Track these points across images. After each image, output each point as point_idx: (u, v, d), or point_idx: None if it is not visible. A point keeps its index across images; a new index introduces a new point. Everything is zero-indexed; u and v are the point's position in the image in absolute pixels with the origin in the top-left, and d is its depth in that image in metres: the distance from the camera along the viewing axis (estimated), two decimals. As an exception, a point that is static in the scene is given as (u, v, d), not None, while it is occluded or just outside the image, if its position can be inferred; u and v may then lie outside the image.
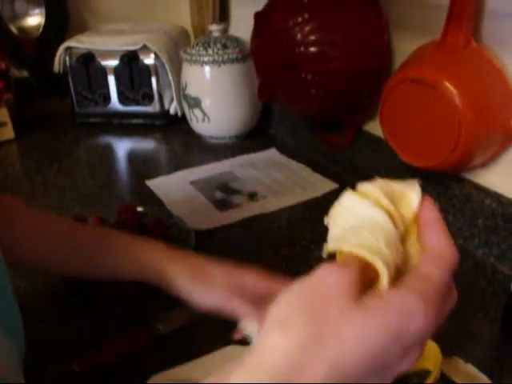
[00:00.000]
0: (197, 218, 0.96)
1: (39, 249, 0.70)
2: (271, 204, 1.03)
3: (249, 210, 1.01)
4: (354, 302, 0.36)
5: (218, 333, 0.69)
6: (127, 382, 0.63)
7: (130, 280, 0.70)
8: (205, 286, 0.64)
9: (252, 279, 0.64)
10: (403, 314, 0.35)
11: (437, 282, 0.37)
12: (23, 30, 1.46)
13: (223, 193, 1.08)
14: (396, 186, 0.43)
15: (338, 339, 0.35)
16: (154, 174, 1.18)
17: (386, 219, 0.40)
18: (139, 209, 0.95)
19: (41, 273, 0.83)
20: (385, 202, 0.41)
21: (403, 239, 0.41)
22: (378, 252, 0.38)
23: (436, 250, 0.40)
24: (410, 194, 0.42)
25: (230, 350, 0.67)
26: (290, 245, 0.93)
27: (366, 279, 0.37)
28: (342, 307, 0.35)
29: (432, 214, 0.42)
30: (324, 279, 0.37)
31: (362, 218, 0.41)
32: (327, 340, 0.35)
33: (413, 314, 0.35)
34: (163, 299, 0.78)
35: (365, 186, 0.43)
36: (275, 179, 1.13)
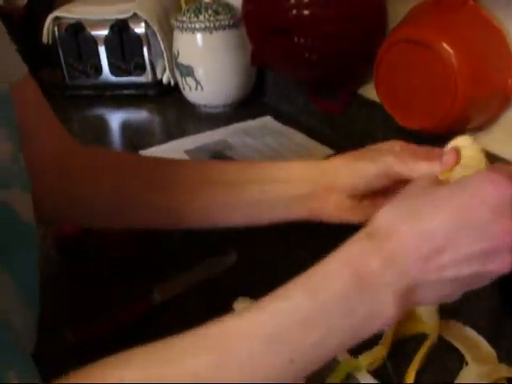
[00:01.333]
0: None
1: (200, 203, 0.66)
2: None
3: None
4: None
5: (215, 300, 0.69)
6: (123, 351, 0.63)
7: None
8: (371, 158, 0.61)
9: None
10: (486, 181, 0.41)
11: None
12: (9, 1, 1.42)
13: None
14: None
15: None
16: (148, 144, 1.16)
17: None
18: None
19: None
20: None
21: None
22: None
23: None
24: None
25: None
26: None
27: None
28: None
29: None
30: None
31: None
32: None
33: (496, 181, 0.41)
34: (160, 269, 0.78)
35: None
36: (270, 146, 1.11)
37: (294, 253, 0.81)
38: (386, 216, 0.44)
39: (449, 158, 0.52)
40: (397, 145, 0.62)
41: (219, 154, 1.09)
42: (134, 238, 0.80)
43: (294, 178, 0.66)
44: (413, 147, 0.62)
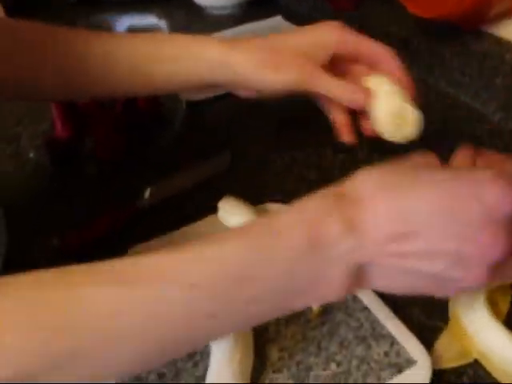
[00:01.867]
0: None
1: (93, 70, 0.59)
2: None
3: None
4: None
5: (205, 203, 0.65)
6: (110, 255, 0.60)
7: (185, 87, 0.63)
8: (276, 69, 0.55)
9: (334, 39, 0.56)
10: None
11: None
12: None
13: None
14: None
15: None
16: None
17: None
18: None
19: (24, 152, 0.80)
20: None
21: None
22: None
23: None
24: None
25: (214, 219, 0.63)
26: (285, 113, 0.86)
27: None
28: None
29: None
30: None
31: None
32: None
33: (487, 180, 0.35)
34: (152, 171, 0.75)
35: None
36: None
37: (287, 153, 0.78)
38: (365, 180, 0.38)
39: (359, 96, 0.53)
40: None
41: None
42: (124, 138, 0.77)
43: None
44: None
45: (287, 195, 0.67)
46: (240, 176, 0.73)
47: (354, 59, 0.58)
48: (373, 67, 0.57)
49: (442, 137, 0.78)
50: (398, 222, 0.35)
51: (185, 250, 0.35)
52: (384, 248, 0.35)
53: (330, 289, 0.36)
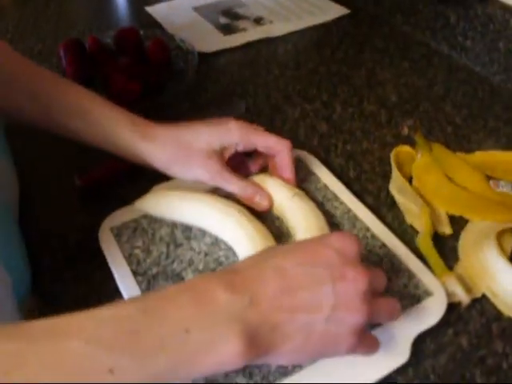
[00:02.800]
0: (200, 41, 0.91)
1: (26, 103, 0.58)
2: (278, 29, 0.97)
3: (254, 34, 0.95)
4: None
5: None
6: (126, 196, 0.62)
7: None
8: (187, 166, 0.58)
9: (236, 140, 0.59)
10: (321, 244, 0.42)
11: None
12: None
13: (228, 18, 1.01)
14: None
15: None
16: (156, 1, 1.10)
17: None
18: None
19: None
20: None
21: None
22: None
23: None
24: None
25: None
26: (297, 67, 0.88)
27: None
28: None
29: None
30: None
31: None
32: None
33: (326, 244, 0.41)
34: (162, 120, 0.76)
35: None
36: (282, 4, 1.05)
37: (299, 105, 0.80)
38: (243, 260, 0.43)
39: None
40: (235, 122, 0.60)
41: (229, 12, 1.03)
42: (138, 88, 0.78)
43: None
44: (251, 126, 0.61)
45: (299, 145, 0.70)
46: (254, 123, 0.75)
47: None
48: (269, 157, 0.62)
49: (444, 99, 0.81)
50: (277, 278, 0.39)
51: (86, 311, 0.36)
52: (272, 304, 0.37)
53: (226, 350, 0.35)
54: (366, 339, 0.43)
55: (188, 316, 0.35)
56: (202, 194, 0.58)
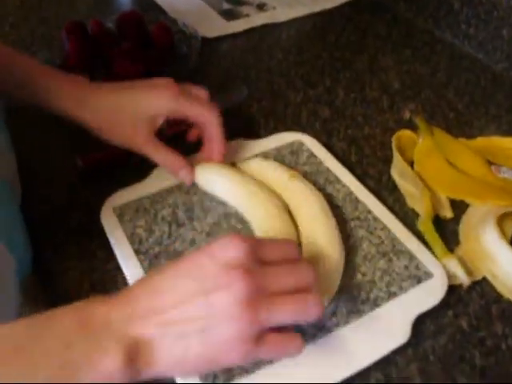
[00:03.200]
0: (202, 26, 0.91)
1: None
2: (281, 14, 0.97)
3: (257, 19, 0.95)
4: None
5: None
6: (128, 177, 0.62)
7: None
8: (116, 133, 0.58)
9: (166, 109, 0.58)
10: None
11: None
12: None
13: (231, 3, 1.01)
14: None
15: None
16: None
17: None
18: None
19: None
20: None
21: None
22: None
23: None
24: None
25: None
26: (299, 53, 0.88)
27: None
28: None
29: None
30: None
31: None
32: None
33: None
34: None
35: None
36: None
37: (301, 90, 0.80)
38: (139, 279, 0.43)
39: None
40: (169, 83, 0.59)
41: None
42: (141, 71, 0.78)
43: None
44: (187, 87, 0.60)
45: (301, 129, 0.70)
46: (255, 110, 0.76)
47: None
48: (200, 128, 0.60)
49: (446, 86, 0.82)
50: (153, 296, 0.39)
51: None
52: (149, 319, 0.38)
53: (106, 367, 0.36)
54: (268, 343, 0.40)
55: (70, 333, 0.36)
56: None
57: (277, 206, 0.55)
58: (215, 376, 0.45)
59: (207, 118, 0.58)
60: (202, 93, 0.61)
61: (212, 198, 0.60)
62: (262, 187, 0.57)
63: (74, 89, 0.58)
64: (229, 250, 0.40)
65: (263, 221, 0.54)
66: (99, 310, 0.38)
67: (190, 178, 0.59)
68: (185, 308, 0.38)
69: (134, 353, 0.37)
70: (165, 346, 0.38)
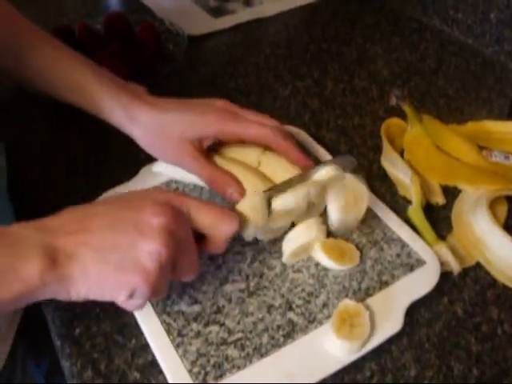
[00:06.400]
0: (189, 24, 0.90)
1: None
2: (268, 9, 0.96)
3: (244, 15, 0.95)
4: None
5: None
6: (116, 178, 0.62)
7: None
8: (164, 152, 0.58)
9: (212, 133, 0.57)
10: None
11: None
12: None
13: (217, 0, 1.00)
14: None
15: None
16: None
17: None
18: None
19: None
20: None
21: None
22: None
23: None
24: None
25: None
26: (287, 46, 0.88)
27: None
28: None
29: None
30: None
31: None
32: None
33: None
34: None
35: None
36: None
37: (290, 83, 0.79)
38: (65, 211, 0.44)
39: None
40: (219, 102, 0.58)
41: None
42: (128, 70, 0.77)
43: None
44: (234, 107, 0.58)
45: (290, 121, 0.70)
46: (244, 102, 0.75)
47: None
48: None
49: (436, 72, 0.81)
50: (79, 222, 0.42)
51: None
52: (70, 235, 0.41)
53: (27, 271, 0.38)
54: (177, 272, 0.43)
55: None
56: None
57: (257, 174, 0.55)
58: (206, 373, 0.44)
59: (264, 138, 0.55)
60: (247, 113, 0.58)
61: (200, 194, 0.59)
62: (238, 164, 0.57)
63: (128, 103, 0.57)
64: (154, 217, 0.42)
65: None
66: (20, 229, 0.40)
67: (236, 196, 0.55)
68: (113, 233, 0.41)
69: (54, 260, 0.39)
70: (83, 263, 0.40)
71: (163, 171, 0.61)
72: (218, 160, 0.57)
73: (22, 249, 0.39)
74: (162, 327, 0.47)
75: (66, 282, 0.39)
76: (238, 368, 0.44)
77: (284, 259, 0.52)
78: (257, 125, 0.55)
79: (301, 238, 0.51)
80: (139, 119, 0.57)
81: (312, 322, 0.47)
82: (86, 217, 0.42)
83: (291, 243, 0.51)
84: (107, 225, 0.41)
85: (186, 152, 0.56)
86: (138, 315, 0.48)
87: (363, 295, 0.49)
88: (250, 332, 0.47)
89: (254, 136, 0.55)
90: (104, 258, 0.40)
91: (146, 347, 0.47)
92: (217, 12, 0.97)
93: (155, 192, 0.45)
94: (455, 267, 0.52)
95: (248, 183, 0.54)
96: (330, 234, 0.54)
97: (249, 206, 0.48)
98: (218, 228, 0.45)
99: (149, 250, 0.40)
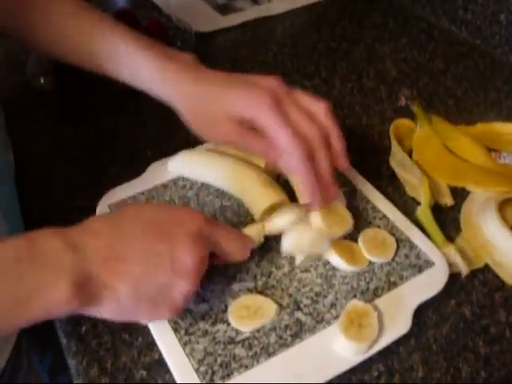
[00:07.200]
0: (198, 21, 0.90)
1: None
2: (276, 7, 0.96)
3: (252, 13, 0.94)
4: None
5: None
6: (123, 174, 0.62)
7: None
8: (209, 131, 0.54)
9: (250, 116, 0.52)
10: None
11: None
12: None
13: (225, -2, 1.00)
14: None
15: None
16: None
17: None
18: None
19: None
20: None
21: None
22: None
23: None
24: None
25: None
26: (295, 45, 0.88)
27: None
28: None
29: None
30: None
31: None
32: None
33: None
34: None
35: None
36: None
37: (298, 83, 0.79)
38: (93, 220, 0.43)
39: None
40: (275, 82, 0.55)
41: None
42: None
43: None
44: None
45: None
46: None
47: None
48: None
49: (444, 73, 0.80)
50: (114, 247, 0.40)
51: None
52: (105, 263, 0.39)
53: (55, 294, 0.37)
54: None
55: (17, 262, 0.37)
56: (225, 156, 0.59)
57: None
58: (213, 372, 0.44)
59: (284, 144, 0.50)
60: (316, 107, 0.56)
61: (208, 192, 0.59)
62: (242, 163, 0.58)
63: (177, 73, 0.55)
64: (189, 221, 0.43)
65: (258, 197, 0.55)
66: (53, 242, 0.38)
67: (272, 158, 0.51)
68: (150, 266, 0.40)
69: (85, 291, 0.38)
70: (117, 296, 0.39)
71: (174, 170, 0.61)
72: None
73: (53, 272, 0.38)
74: (169, 325, 0.47)
75: (94, 307, 0.39)
76: (246, 367, 0.44)
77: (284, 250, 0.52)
78: (286, 136, 0.49)
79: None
80: (184, 91, 0.54)
81: (320, 322, 0.47)
82: (118, 238, 0.41)
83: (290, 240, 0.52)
84: (142, 256, 0.41)
85: (234, 134, 0.52)
86: (145, 313, 0.48)
87: (371, 296, 0.49)
88: (258, 331, 0.46)
89: (277, 141, 0.50)
90: (139, 293, 0.40)
91: (152, 345, 0.47)
92: (224, 9, 0.96)
93: (186, 217, 0.44)
94: (463, 269, 0.52)
95: None
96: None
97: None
98: (234, 257, 0.47)
99: (184, 291, 0.42)
